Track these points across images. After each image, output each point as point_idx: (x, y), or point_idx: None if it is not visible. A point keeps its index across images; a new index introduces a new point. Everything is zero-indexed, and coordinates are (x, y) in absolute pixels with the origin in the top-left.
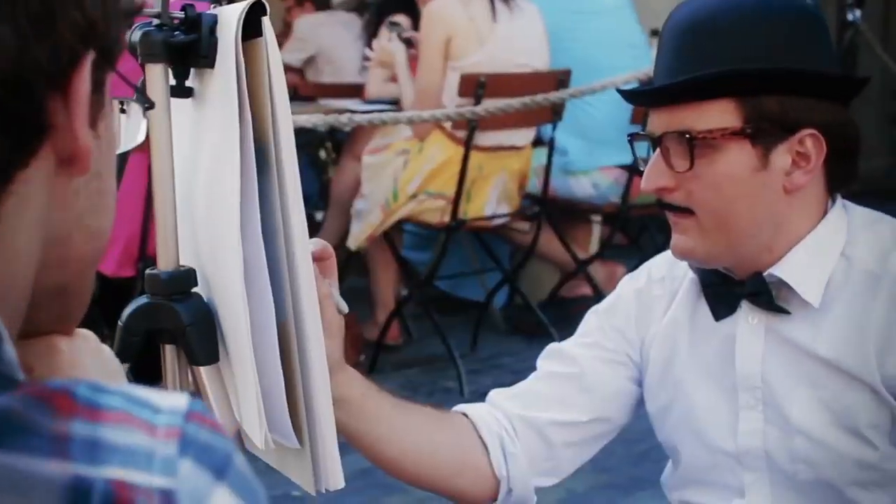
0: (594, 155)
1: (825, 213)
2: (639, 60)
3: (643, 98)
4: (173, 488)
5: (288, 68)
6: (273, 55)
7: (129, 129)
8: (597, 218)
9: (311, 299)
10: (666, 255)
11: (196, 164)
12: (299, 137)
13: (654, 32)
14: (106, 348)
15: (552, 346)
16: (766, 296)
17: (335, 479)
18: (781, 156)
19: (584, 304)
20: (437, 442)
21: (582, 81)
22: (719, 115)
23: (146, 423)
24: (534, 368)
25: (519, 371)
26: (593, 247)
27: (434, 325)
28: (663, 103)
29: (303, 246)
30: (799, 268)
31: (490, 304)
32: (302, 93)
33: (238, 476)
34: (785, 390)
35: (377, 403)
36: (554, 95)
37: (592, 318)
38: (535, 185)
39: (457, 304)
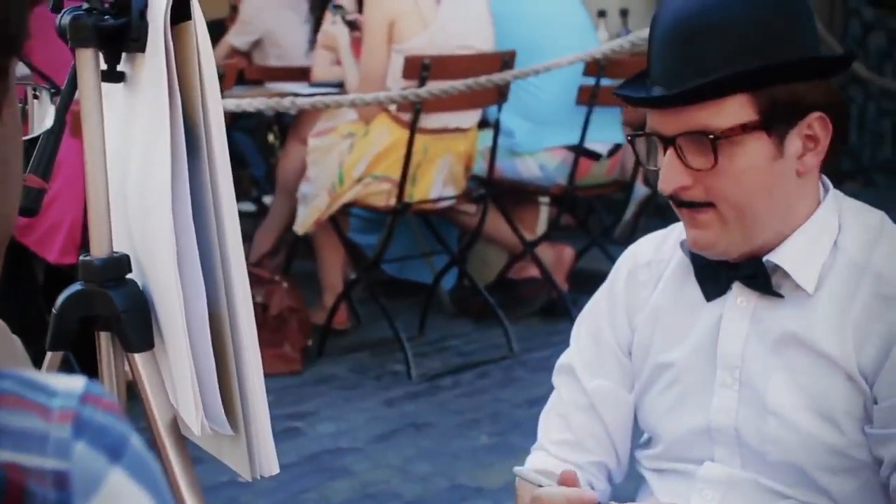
0: (540, 136)
1: (819, 198)
2: (583, 41)
3: (655, 102)
4: (67, 470)
5: (235, 52)
6: (203, 39)
7: (39, 114)
8: (544, 199)
9: (242, 284)
10: (650, 238)
11: (129, 149)
12: (246, 121)
13: (601, 13)
14: (15, 338)
15: (566, 364)
16: (763, 279)
17: (270, 465)
18: (794, 141)
19: (531, 286)
20: None
21: (527, 63)
22: (737, 110)
23: (41, 407)
24: (481, 351)
25: (466, 353)
26: (541, 228)
27: (381, 309)
28: (675, 104)
29: (234, 229)
30: (796, 254)
31: (438, 287)
32: (248, 76)
33: (134, 457)
34: (763, 371)
35: None
36: (498, 77)
37: (594, 324)
38: (481, 167)
39: (405, 287)
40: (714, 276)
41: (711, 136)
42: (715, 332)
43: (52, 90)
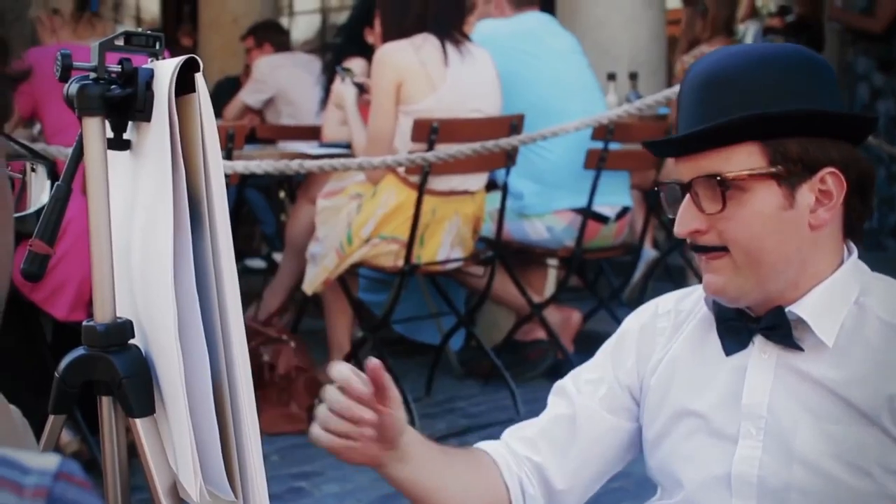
0: (548, 198)
1: (842, 259)
2: (591, 104)
3: (671, 148)
4: None
5: (248, 110)
6: (206, 110)
7: (36, 188)
8: (552, 262)
9: (242, 352)
10: (675, 294)
11: (132, 216)
12: (258, 179)
13: (611, 76)
14: (12, 408)
15: (560, 383)
16: (784, 330)
17: None
18: (805, 194)
19: (538, 348)
20: (472, 485)
21: (535, 126)
22: (746, 158)
23: (14, 484)
24: (487, 413)
25: (473, 415)
26: (549, 290)
27: (388, 369)
28: (690, 151)
29: (234, 300)
30: (817, 307)
31: (445, 348)
32: (260, 135)
33: None
34: (790, 419)
35: (432, 457)
36: (505, 141)
37: (600, 355)
38: (489, 228)
39: (413, 348)
40: (735, 330)
41: (719, 179)
42: (738, 384)
43: (48, 165)
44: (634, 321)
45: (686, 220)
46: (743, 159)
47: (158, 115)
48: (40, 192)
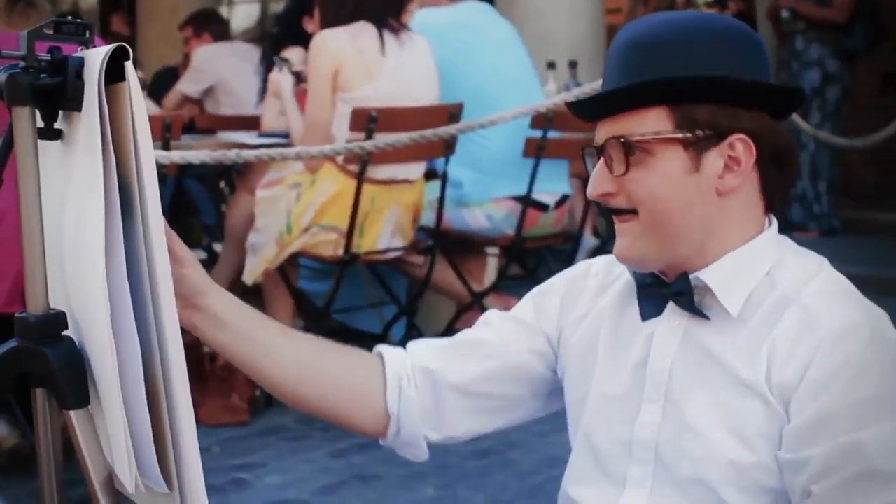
0: (487, 187)
1: (760, 229)
2: (529, 93)
3: (584, 109)
4: None
5: (186, 99)
6: (136, 99)
7: None
8: (493, 250)
9: (176, 342)
10: (608, 257)
11: (64, 206)
12: (198, 168)
13: (550, 65)
14: None
15: (485, 315)
16: (689, 297)
17: None
18: (713, 159)
19: None
20: (327, 367)
21: (474, 114)
22: (653, 121)
23: None
24: None
25: None
26: (489, 279)
27: None
28: (603, 115)
29: (167, 289)
30: (724, 276)
31: (387, 337)
32: (199, 125)
33: None
34: (686, 389)
35: (261, 328)
36: (443, 130)
37: (525, 300)
38: (429, 217)
39: (354, 337)
40: (651, 295)
41: (623, 141)
42: (647, 349)
43: None
44: (565, 275)
45: (597, 181)
46: (650, 123)
47: (89, 105)
48: None
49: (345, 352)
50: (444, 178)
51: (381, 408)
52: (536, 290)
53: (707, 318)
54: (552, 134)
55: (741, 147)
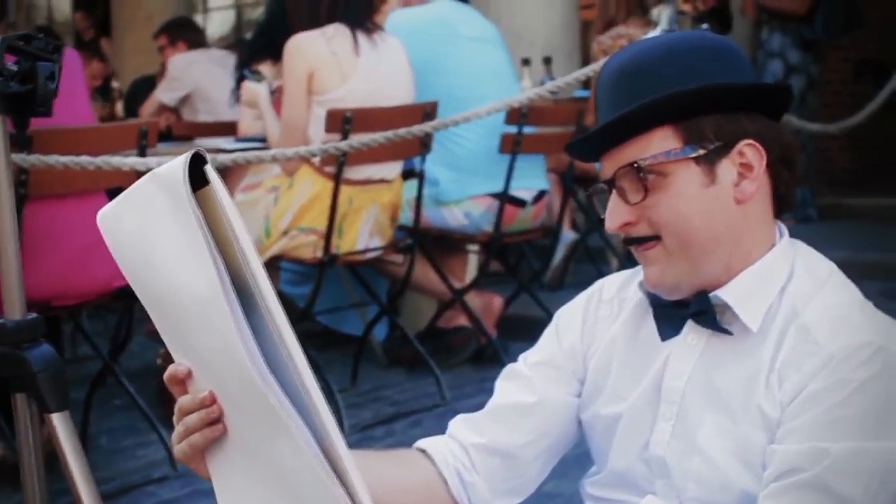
0: (465, 184)
1: (773, 241)
2: (505, 91)
3: (589, 147)
4: None
5: (164, 108)
6: (225, 199)
7: None
8: (472, 247)
9: (332, 422)
10: (618, 276)
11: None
12: None
13: (525, 61)
14: None
15: (509, 367)
16: (710, 315)
17: None
18: (726, 169)
19: (461, 334)
20: (399, 484)
21: (449, 112)
22: (660, 142)
23: None
24: (413, 400)
25: (399, 402)
26: (470, 276)
27: (311, 361)
28: (606, 147)
29: (309, 373)
30: (743, 292)
31: (369, 338)
32: (177, 132)
33: None
34: (698, 411)
35: None
36: (418, 128)
37: (549, 334)
38: (407, 216)
39: (337, 339)
40: (669, 315)
41: (636, 166)
42: (663, 370)
43: None
44: (580, 304)
45: (615, 214)
46: (657, 144)
47: (185, 221)
48: None
49: (391, 463)
50: (421, 177)
51: (450, 502)
52: (555, 324)
53: (730, 333)
54: (527, 130)
55: (751, 152)
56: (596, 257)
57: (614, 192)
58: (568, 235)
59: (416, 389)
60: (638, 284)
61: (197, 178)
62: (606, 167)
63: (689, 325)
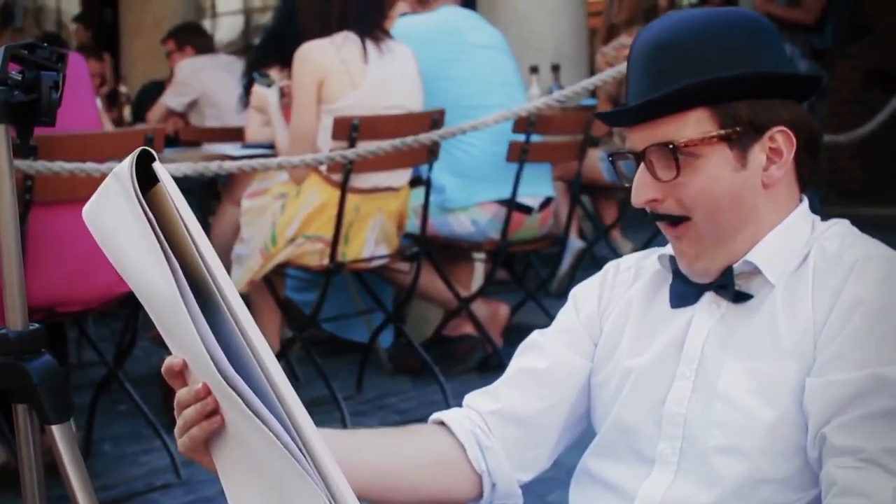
0: (471, 192)
1: (795, 207)
2: (512, 98)
3: (624, 118)
4: None
5: (171, 113)
6: (176, 196)
7: None
8: (479, 255)
9: (301, 410)
10: (637, 253)
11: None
12: (184, 183)
13: (533, 69)
14: None
15: (530, 338)
16: (731, 287)
17: None
18: (757, 154)
19: (466, 343)
20: (416, 459)
21: (457, 120)
22: (696, 123)
23: None
24: (418, 408)
25: (404, 410)
26: (476, 284)
27: (317, 368)
28: (642, 120)
29: (275, 363)
30: (770, 252)
31: (375, 345)
32: (184, 138)
33: None
34: (718, 360)
35: (359, 445)
36: (426, 136)
37: (569, 302)
38: (414, 224)
39: (342, 346)
40: (688, 285)
41: (672, 147)
42: (683, 334)
43: None
44: (598, 275)
45: (642, 189)
46: (693, 125)
47: (135, 219)
48: None
49: (406, 438)
50: (427, 185)
51: (469, 470)
52: (575, 291)
53: (751, 296)
54: (535, 138)
55: (782, 138)
56: (602, 266)
57: (642, 165)
58: (575, 244)
59: (421, 397)
60: (658, 258)
61: (152, 176)
62: (636, 139)
63: (709, 295)
